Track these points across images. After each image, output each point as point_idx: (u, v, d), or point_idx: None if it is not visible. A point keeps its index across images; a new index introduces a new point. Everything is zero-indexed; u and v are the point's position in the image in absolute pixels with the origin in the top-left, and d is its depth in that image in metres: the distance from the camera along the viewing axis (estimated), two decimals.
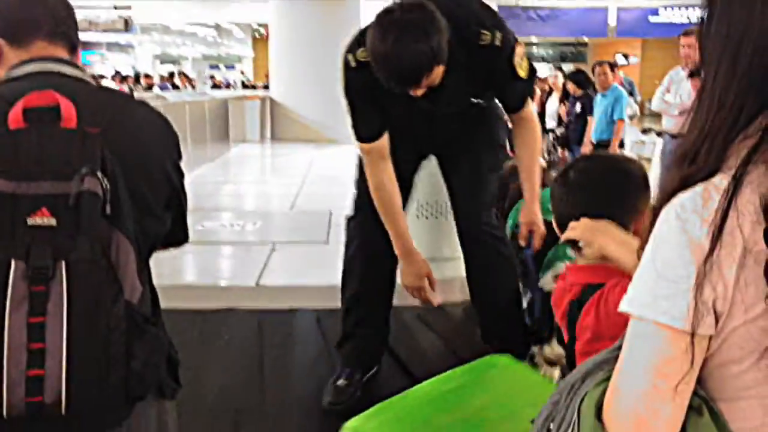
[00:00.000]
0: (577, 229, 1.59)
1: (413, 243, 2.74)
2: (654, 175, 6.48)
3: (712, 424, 0.92)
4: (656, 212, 0.95)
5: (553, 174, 6.96)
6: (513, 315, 2.97)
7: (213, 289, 3.93)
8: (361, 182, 2.82)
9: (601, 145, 7.24)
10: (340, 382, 2.87)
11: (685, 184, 0.93)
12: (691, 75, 5.81)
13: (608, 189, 1.65)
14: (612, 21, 19.66)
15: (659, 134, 7.19)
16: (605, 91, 7.44)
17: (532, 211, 2.80)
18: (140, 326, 1.31)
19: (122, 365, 1.27)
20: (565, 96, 9.26)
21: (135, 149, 1.40)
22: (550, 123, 9.70)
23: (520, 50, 2.55)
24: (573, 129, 7.91)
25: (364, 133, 2.64)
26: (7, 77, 1.44)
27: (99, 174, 1.27)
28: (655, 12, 19.58)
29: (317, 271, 4.08)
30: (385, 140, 2.65)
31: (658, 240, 0.93)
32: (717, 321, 0.89)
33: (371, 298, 2.96)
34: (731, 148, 0.92)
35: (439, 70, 2.30)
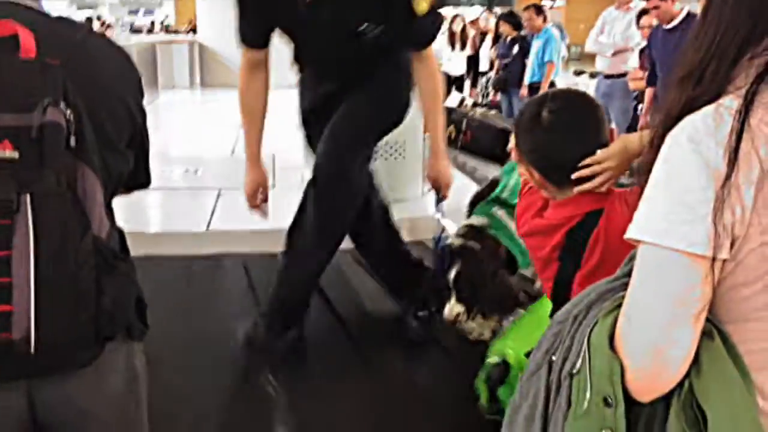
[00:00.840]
0: (605, 163, 1.60)
1: (262, 154, 2.84)
2: None
3: (723, 347, 0.92)
4: (661, 136, 0.95)
5: (492, 113, 7.02)
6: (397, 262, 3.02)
7: (165, 236, 3.89)
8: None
9: (533, 87, 7.33)
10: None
11: (691, 106, 0.92)
12: (640, 15, 5.93)
13: (598, 122, 1.68)
14: None
15: (592, 76, 7.34)
16: (537, 33, 7.51)
17: (436, 165, 2.76)
18: (109, 262, 1.29)
19: (92, 301, 1.25)
20: (497, 39, 9.32)
21: (97, 82, 1.36)
22: (484, 66, 9.78)
23: None
24: (510, 71, 7.95)
25: (247, 36, 2.65)
26: None
27: (62, 105, 1.23)
28: None
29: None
30: (264, 53, 2.68)
31: (670, 164, 0.91)
32: (732, 244, 0.88)
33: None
34: (737, 68, 0.92)
35: None
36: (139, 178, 1.61)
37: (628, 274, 0.99)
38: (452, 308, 2.54)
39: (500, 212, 2.68)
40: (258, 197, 2.85)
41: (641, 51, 5.94)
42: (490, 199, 2.75)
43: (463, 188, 5.28)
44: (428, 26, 2.58)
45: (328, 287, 3.24)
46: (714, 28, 0.95)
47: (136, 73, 1.52)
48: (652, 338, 0.91)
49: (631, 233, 0.95)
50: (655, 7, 4.92)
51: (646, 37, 5.70)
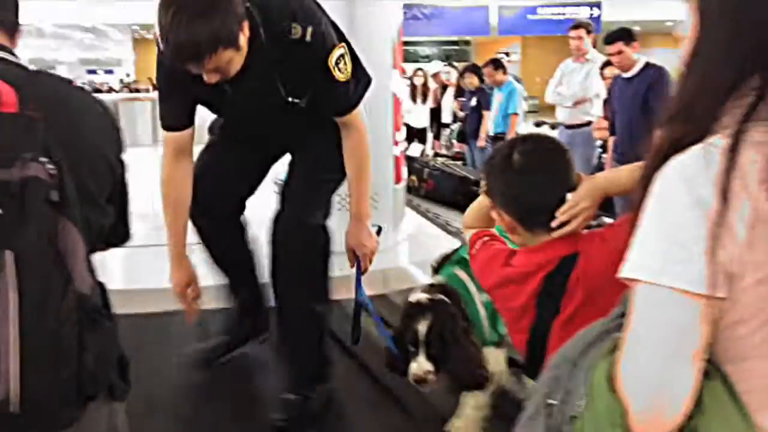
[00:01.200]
0: (580, 204, 1.62)
1: (186, 248, 2.66)
2: None
3: (722, 387, 0.92)
4: (649, 175, 0.96)
5: (452, 162, 7.02)
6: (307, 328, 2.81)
7: (148, 293, 3.79)
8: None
9: (498, 138, 7.45)
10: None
11: (680, 144, 0.94)
12: (604, 66, 6.07)
13: (567, 164, 1.70)
14: (493, 20, 20.21)
15: (553, 127, 7.47)
16: (499, 86, 7.68)
17: (358, 233, 2.70)
18: (92, 318, 1.27)
19: (74, 359, 1.23)
20: (458, 92, 9.49)
21: (78, 137, 1.37)
22: (446, 118, 9.93)
23: (338, 51, 2.44)
24: (469, 123, 8.10)
25: (167, 121, 2.55)
26: None
27: (43, 159, 1.23)
28: (533, 11, 20.28)
29: None
30: (188, 134, 2.57)
31: (661, 203, 0.92)
32: (728, 282, 0.88)
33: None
34: (725, 107, 0.93)
35: (228, 55, 2.18)
36: (118, 234, 1.60)
37: (624, 315, 0.99)
38: (420, 365, 2.36)
39: (462, 273, 2.53)
40: (188, 296, 2.65)
41: (605, 101, 6.06)
42: (453, 261, 2.63)
43: (430, 235, 5.40)
44: (348, 94, 2.55)
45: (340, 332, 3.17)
46: (703, 68, 0.97)
47: (117, 128, 1.52)
48: (653, 378, 0.91)
49: (625, 272, 0.95)
50: (619, 52, 5.03)
51: (609, 87, 5.84)
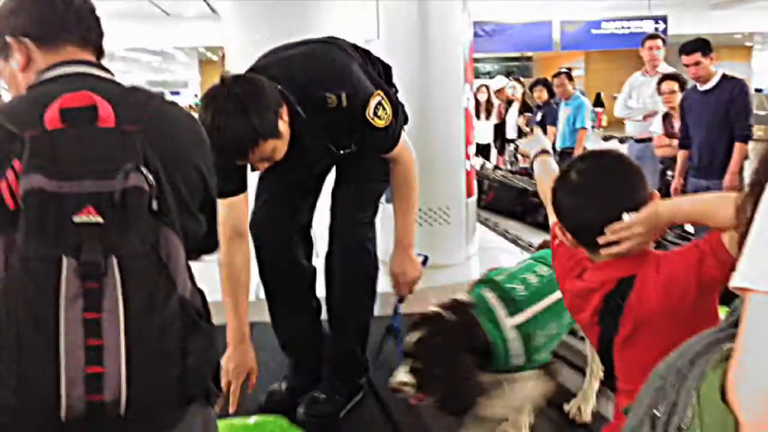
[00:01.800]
0: (634, 228, 1.58)
1: (247, 333, 2.59)
2: None
3: None
4: (761, 182, 0.95)
5: (511, 175, 7.01)
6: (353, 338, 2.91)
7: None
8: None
9: (565, 153, 7.38)
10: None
11: None
12: (663, 79, 5.96)
13: (628, 183, 1.65)
14: (556, 35, 20.06)
15: (621, 141, 7.37)
16: (567, 100, 7.62)
17: (401, 260, 2.78)
18: (195, 322, 1.32)
19: (179, 361, 1.27)
20: (524, 107, 9.44)
21: (172, 148, 1.41)
22: (511, 134, 9.87)
23: (374, 101, 2.55)
24: None
25: (226, 188, 2.51)
26: (39, 80, 1.43)
27: (143, 170, 1.28)
28: (597, 25, 20.05)
29: None
30: (242, 206, 2.64)
31: None
32: None
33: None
34: None
35: (271, 145, 2.31)
36: (208, 243, 1.64)
37: (734, 325, 0.97)
38: (396, 375, 2.30)
39: (489, 294, 2.42)
40: (239, 383, 2.54)
41: (664, 117, 5.94)
42: (485, 280, 2.52)
43: (501, 249, 5.37)
44: (388, 135, 2.64)
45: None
46: None
47: (207, 140, 1.56)
48: (767, 389, 0.88)
49: (736, 282, 0.92)
50: (696, 63, 4.94)
51: (668, 102, 5.73)
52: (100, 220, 1.24)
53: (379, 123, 2.57)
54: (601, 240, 1.61)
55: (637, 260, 1.61)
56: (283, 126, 2.37)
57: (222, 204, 2.55)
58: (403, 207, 2.77)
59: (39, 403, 1.18)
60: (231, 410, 2.48)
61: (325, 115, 2.49)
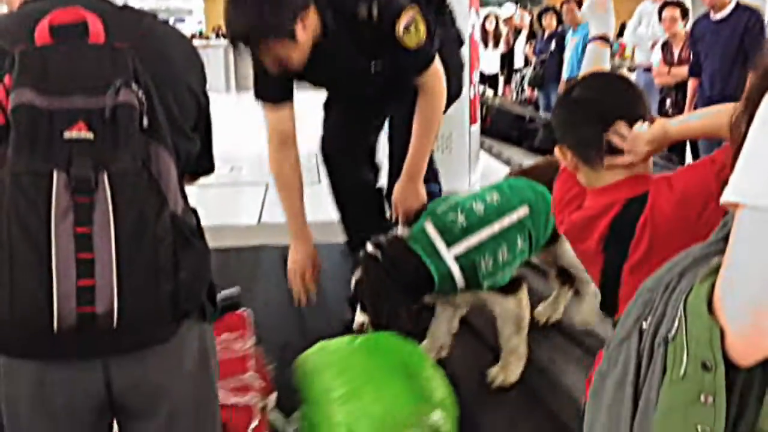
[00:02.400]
0: (638, 140, 1.56)
1: (308, 228, 2.74)
2: None
3: None
4: (757, 95, 0.93)
5: (508, 101, 7.14)
6: None
7: (216, 228, 3.90)
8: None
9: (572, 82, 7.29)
10: None
11: None
12: (664, 6, 5.85)
13: (631, 97, 1.63)
14: None
15: (630, 69, 7.29)
16: (576, 27, 7.48)
17: (405, 187, 2.74)
18: (187, 238, 1.31)
19: (171, 276, 1.27)
20: (531, 36, 9.29)
21: (163, 66, 1.40)
22: (519, 63, 9.75)
23: (407, 17, 2.47)
24: (547, 67, 7.94)
25: (263, 90, 2.64)
26: None
27: (134, 86, 1.27)
28: None
29: (315, 209, 4.07)
30: (288, 115, 2.67)
31: None
32: None
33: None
34: None
35: (282, 47, 2.30)
36: (203, 164, 1.64)
37: (724, 239, 0.97)
38: (358, 317, 2.48)
39: (429, 226, 2.54)
40: (305, 278, 2.71)
41: (663, 45, 5.84)
42: (425, 213, 2.62)
43: (489, 168, 5.39)
44: (419, 57, 2.58)
45: None
46: None
47: (200, 59, 1.55)
48: (754, 301, 0.89)
49: (727, 197, 0.92)
50: None
51: (669, 29, 5.64)
52: (90, 136, 1.24)
53: (410, 42, 2.49)
54: (610, 133, 1.57)
55: (641, 181, 1.58)
56: (303, 32, 2.32)
57: (268, 113, 2.69)
58: (418, 133, 2.70)
59: (32, 315, 1.19)
60: (303, 302, 2.69)
61: (356, 30, 2.44)
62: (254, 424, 1.96)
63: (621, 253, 1.58)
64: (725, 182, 0.95)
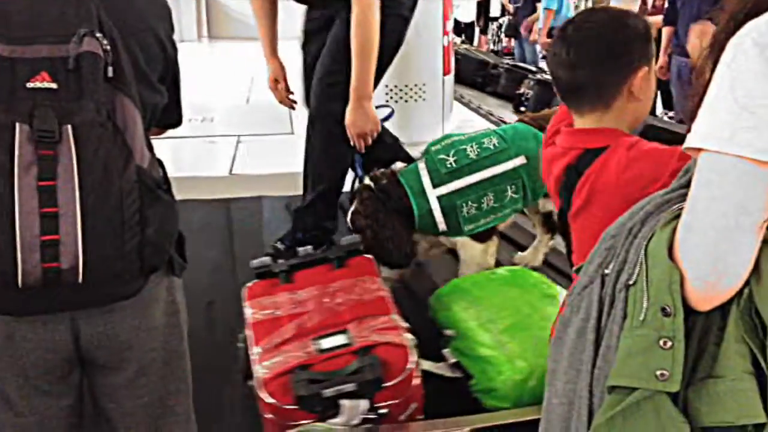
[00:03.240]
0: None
1: (276, 49, 3.11)
2: None
3: None
4: (722, 41, 0.93)
5: (473, 48, 7.14)
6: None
7: (188, 180, 3.88)
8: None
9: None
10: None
11: (757, 9, 0.90)
12: None
13: (617, 45, 1.56)
14: None
15: None
16: None
17: (352, 110, 2.74)
18: (153, 192, 1.30)
19: (137, 231, 1.26)
20: None
21: (130, 15, 1.37)
22: (495, 12, 9.66)
23: None
24: (520, 16, 7.90)
25: None
26: None
27: (98, 35, 1.24)
28: None
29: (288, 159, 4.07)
30: None
31: (733, 70, 0.89)
32: None
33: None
34: None
35: None
36: (171, 116, 1.62)
37: (686, 186, 0.98)
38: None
39: (421, 164, 2.60)
40: (279, 89, 3.16)
41: None
42: (426, 148, 2.71)
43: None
44: None
45: None
46: None
47: (167, 7, 1.51)
48: (714, 246, 0.90)
49: (690, 142, 0.93)
50: None
51: None
52: (54, 86, 1.21)
53: None
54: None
55: (611, 136, 1.55)
56: None
57: None
58: (356, 52, 2.69)
59: None
60: (288, 106, 3.29)
61: None
62: (411, 360, 1.96)
63: (568, 199, 1.59)
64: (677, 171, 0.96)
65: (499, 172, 2.57)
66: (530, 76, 6.79)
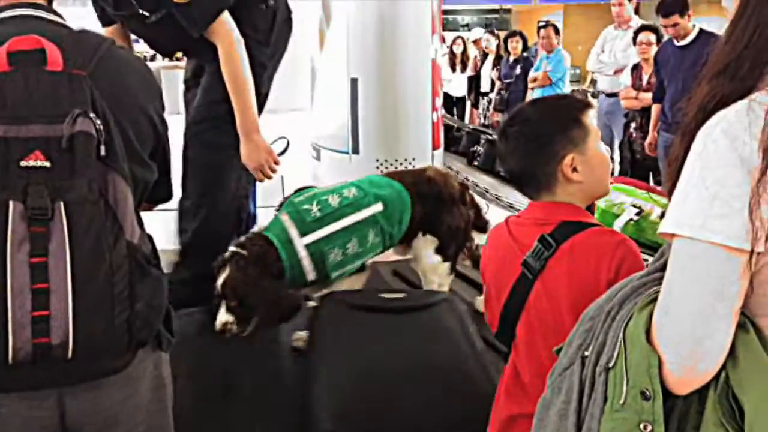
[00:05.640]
0: None
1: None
2: None
3: (757, 339, 0.93)
4: (692, 130, 0.96)
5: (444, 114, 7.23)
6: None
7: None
8: None
9: None
10: None
11: (725, 101, 0.94)
12: (640, 30, 5.95)
13: (545, 137, 1.61)
14: None
15: (594, 96, 7.39)
16: (550, 53, 7.53)
17: (244, 146, 2.78)
18: (143, 267, 1.31)
19: (126, 306, 1.27)
20: (498, 60, 9.38)
21: (121, 93, 1.40)
22: (485, 87, 9.82)
23: None
24: (512, 91, 8.03)
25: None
26: None
27: (91, 115, 1.26)
28: None
29: None
30: None
31: (704, 159, 0.92)
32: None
33: None
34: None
35: None
36: (161, 191, 1.64)
37: (661, 269, 1.00)
38: (219, 318, 2.56)
39: (285, 217, 2.69)
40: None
41: (633, 68, 5.93)
42: (285, 205, 2.78)
43: None
44: (188, 15, 2.67)
45: None
46: (752, 27, 0.96)
47: (158, 86, 1.55)
48: (690, 331, 0.91)
49: (664, 228, 0.95)
50: (674, 25, 4.94)
51: (643, 53, 5.72)
52: (47, 164, 1.23)
53: None
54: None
55: (578, 210, 1.60)
56: None
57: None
58: (231, 90, 2.76)
59: None
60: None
61: None
62: None
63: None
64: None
65: (361, 219, 2.70)
66: (482, 136, 7.23)
